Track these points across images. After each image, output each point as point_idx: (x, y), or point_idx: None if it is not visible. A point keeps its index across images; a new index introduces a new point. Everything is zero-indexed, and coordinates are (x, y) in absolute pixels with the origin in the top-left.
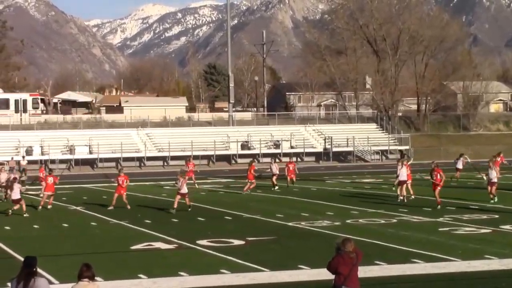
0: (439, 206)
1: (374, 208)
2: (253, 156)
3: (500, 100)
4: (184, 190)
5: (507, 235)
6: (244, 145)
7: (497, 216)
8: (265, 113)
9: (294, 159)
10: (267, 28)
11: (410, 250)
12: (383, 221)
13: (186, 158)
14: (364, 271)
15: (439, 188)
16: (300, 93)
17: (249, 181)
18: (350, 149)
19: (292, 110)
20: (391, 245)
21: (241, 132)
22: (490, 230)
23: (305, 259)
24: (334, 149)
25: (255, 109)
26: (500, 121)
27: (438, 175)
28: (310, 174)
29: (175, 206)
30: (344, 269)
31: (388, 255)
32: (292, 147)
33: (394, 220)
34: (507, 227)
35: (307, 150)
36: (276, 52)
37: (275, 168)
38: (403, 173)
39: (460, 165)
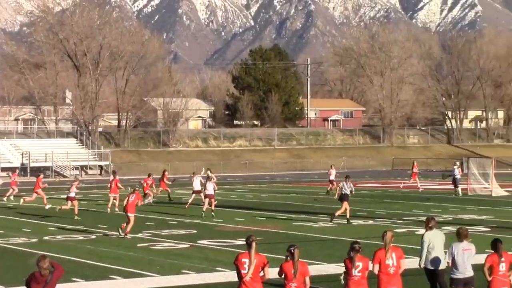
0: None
1: (73, 224)
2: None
3: (199, 117)
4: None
5: (204, 249)
6: None
7: (195, 231)
8: None
9: None
10: None
11: (109, 266)
12: (81, 238)
13: (11, 170)
14: None
15: None
16: None
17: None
18: (49, 164)
19: None
20: (89, 261)
21: None
22: (188, 245)
23: (0, 278)
24: (32, 164)
25: None
26: (199, 138)
27: None
28: (5, 190)
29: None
30: (36, 287)
31: (86, 272)
32: None
33: (93, 236)
34: (205, 241)
35: (3, 165)
36: None
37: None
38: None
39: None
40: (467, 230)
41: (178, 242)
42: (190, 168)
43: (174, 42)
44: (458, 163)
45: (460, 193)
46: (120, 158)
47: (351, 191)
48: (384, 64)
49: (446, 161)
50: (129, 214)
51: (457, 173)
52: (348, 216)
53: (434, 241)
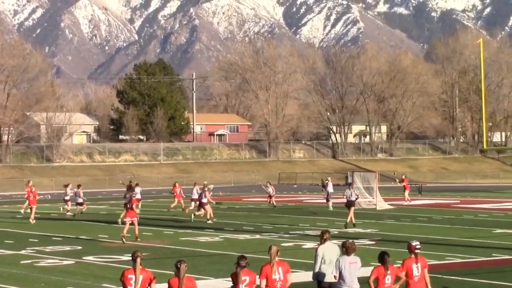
0: None
1: None
2: None
3: (84, 132)
4: None
5: (90, 266)
6: None
7: (80, 247)
8: None
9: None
10: None
11: None
12: None
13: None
14: None
15: None
16: None
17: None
18: None
19: None
20: None
21: None
22: (73, 262)
23: None
24: None
25: None
26: (84, 153)
27: None
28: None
29: None
30: None
31: None
32: None
33: None
34: (90, 258)
35: None
36: None
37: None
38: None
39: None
40: (354, 244)
41: (63, 259)
42: (75, 184)
43: (57, 56)
44: (329, 178)
45: (331, 207)
46: (2, 173)
47: (357, 197)
48: (269, 79)
49: (331, 175)
50: (133, 219)
51: (331, 188)
52: (351, 221)
53: (328, 254)
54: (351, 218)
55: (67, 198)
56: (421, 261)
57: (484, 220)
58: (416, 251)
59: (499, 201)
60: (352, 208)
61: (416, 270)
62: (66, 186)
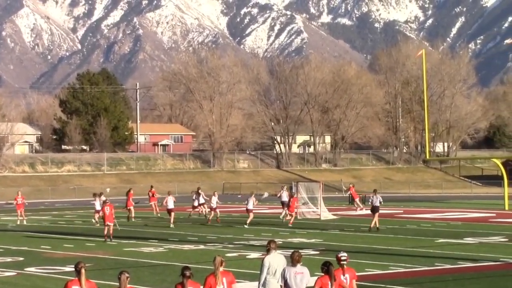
0: None
1: None
2: None
3: (26, 142)
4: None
5: (32, 277)
6: None
7: (22, 259)
8: None
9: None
10: None
11: None
12: None
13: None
14: None
15: None
16: None
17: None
18: None
19: None
20: None
21: None
22: (15, 273)
23: None
24: None
25: None
26: (26, 163)
27: None
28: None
29: None
30: None
31: None
32: None
33: None
34: (32, 269)
35: None
36: None
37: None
38: None
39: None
40: (300, 254)
41: (4, 270)
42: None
43: None
44: (284, 187)
45: (282, 217)
46: None
47: (380, 203)
48: (213, 89)
49: (275, 185)
50: (110, 224)
51: (285, 196)
52: (377, 225)
53: (274, 264)
54: (375, 222)
55: (98, 208)
56: (349, 273)
57: (427, 230)
58: (342, 262)
59: (441, 211)
60: (377, 214)
61: (344, 281)
62: (99, 196)
